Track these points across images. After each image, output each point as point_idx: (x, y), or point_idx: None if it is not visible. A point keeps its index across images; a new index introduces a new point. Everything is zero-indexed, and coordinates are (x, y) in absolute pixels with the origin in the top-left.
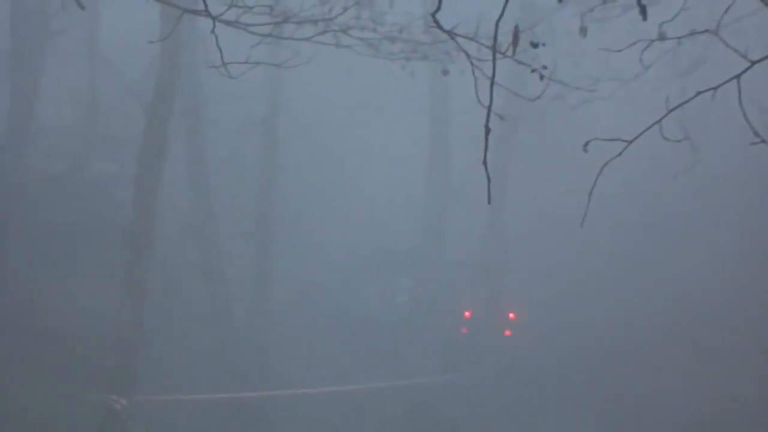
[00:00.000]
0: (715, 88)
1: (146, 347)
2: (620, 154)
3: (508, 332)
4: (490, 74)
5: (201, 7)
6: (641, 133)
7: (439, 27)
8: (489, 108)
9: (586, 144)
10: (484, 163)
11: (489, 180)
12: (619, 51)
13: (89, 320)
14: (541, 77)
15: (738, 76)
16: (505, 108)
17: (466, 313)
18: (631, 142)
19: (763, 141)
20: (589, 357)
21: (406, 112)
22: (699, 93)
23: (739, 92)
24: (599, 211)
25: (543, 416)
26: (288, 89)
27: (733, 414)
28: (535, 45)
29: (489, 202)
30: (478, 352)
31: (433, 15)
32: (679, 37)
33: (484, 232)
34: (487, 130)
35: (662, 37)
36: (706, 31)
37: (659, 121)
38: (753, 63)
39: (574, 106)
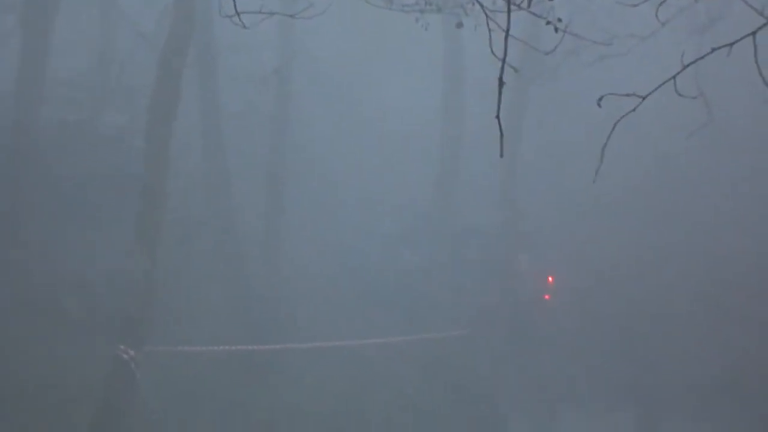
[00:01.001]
0: (730, 45)
1: (157, 299)
2: (634, 109)
3: (547, 296)
4: (504, 27)
5: None
6: (655, 89)
7: None
8: (503, 61)
9: (600, 99)
10: (497, 116)
11: (502, 134)
12: (635, 6)
13: (100, 270)
14: (556, 30)
15: (754, 33)
16: (519, 61)
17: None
18: (645, 97)
19: None
20: (612, 317)
21: (420, 64)
22: (714, 50)
23: (755, 49)
24: (613, 168)
25: (553, 374)
26: (302, 40)
27: (753, 374)
28: None
29: (501, 156)
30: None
31: None
32: None
33: (497, 193)
34: (501, 83)
35: None
36: None
37: (674, 77)
38: None
39: (589, 62)
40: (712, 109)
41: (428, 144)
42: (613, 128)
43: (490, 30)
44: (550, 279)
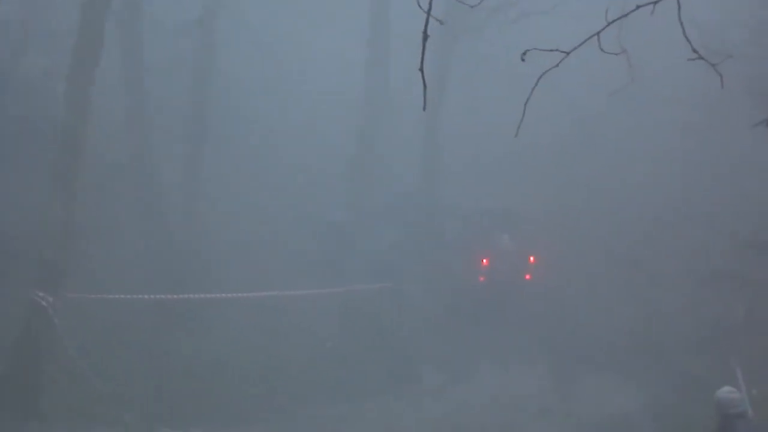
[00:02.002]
0: (654, 2)
1: (76, 245)
2: (557, 65)
3: (528, 276)
4: None
5: None
6: (578, 45)
7: None
8: (428, 14)
9: (524, 54)
10: (421, 69)
11: (425, 86)
12: None
13: (18, 215)
14: None
15: None
16: (445, 16)
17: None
18: (568, 53)
19: (701, 57)
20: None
21: (345, 18)
22: (638, 7)
23: (679, 8)
24: (536, 126)
25: (474, 332)
26: None
27: (665, 329)
28: None
29: (424, 109)
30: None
31: None
32: None
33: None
34: (425, 36)
35: None
36: None
37: (597, 34)
38: None
39: (514, 19)
40: (635, 67)
41: (353, 98)
42: (536, 84)
43: None
44: (531, 259)
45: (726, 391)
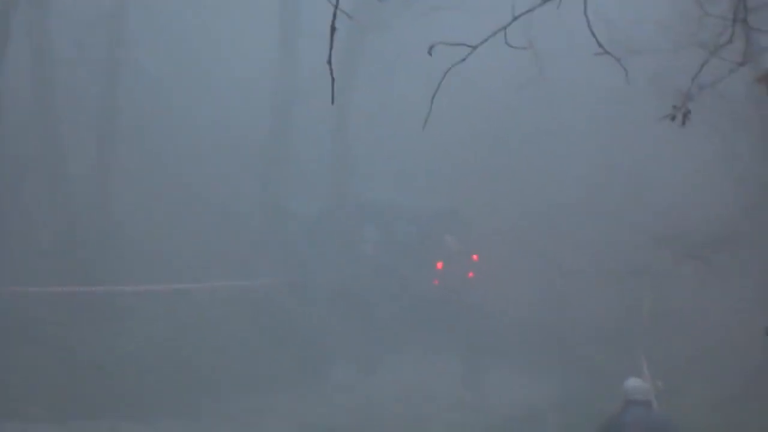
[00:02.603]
0: None
1: None
2: (464, 59)
3: (471, 274)
4: None
5: None
6: (485, 40)
7: None
8: (336, 6)
9: (431, 48)
10: (329, 62)
11: (333, 79)
12: None
13: None
14: None
15: None
16: (354, 10)
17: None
18: (475, 47)
19: (607, 53)
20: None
21: (255, 10)
22: (545, 1)
23: (585, 3)
24: (444, 121)
25: (383, 323)
26: None
27: (580, 329)
28: None
29: (332, 102)
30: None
31: None
32: None
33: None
34: (333, 29)
35: None
36: None
37: (504, 28)
38: None
39: (423, 12)
40: (542, 62)
41: (264, 90)
42: (443, 78)
43: None
44: (474, 257)
45: (633, 380)
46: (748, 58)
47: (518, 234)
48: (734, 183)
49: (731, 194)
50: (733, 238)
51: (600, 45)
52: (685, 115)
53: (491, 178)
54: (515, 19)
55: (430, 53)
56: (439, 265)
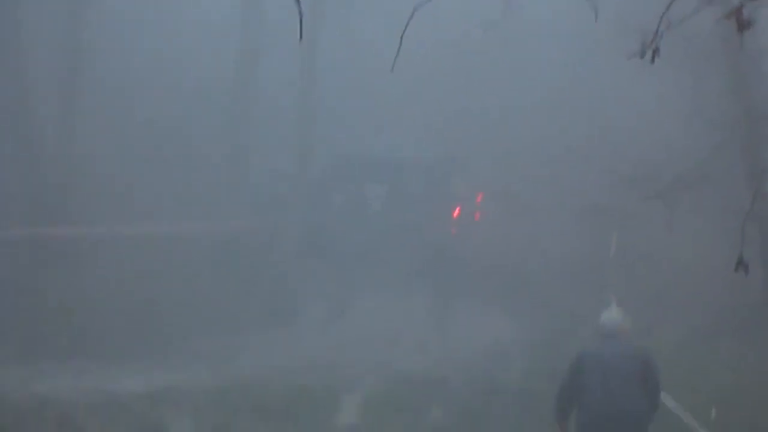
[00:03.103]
0: None
1: None
2: None
3: (477, 216)
4: None
5: None
6: None
7: None
8: None
9: None
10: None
11: (301, 16)
12: None
13: None
14: None
15: None
16: None
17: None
18: None
19: None
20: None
21: None
22: None
23: None
24: (411, 59)
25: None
26: None
27: (548, 269)
28: None
29: (300, 38)
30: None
31: None
32: None
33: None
34: None
35: None
36: None
37: None
38: None
39: None
40: (509, 1)
41: (233, 28)
42: (411, 16)
43: None
44: (478, 198)
45: (608, 313)
46: None
47: (488, 173)
48: (702, 122)
49: (699, 134)
50: (700, 178)
51: None
52: (654, 53)
53: (461, 120)
54: None
55: None
56: (456, 212)
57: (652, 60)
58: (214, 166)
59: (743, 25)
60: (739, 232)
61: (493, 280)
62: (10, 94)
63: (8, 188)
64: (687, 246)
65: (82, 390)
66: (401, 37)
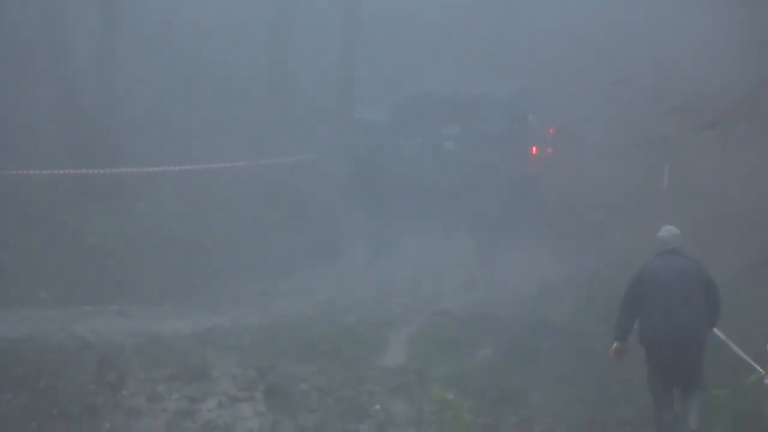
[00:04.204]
0: None
1: None
2: None
3: (549, 150)
4: None
5: None
6: None
7: None
8: None
9: None
10: None
11: None
12: None
13: None
14: None
15: None
16: None
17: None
18: None
19: None
20: None
21: None
22: None
23: None
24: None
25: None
26: None
27: (598, 204)
28: None
29: None
30: None
31: None
32: None
33: None
34: None
35: None
36: None
37: None
38: None
39: None
40: None
41: None
42: None
43: None
44: (550, 131)
45: (666, 230)
46: None
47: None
48: (756, 51)
49: (752, 62)
50: (754, 108)
51: None
52: None
53: (501, 49)
54: None
55: None
56: (534, 149)
57: None
58: (258, 102)
59: None
60: None
61: (541, 214)
62: (46, 36)
63: (49, 129)
64: (739, 177)
65: (124, 331)
66: None
